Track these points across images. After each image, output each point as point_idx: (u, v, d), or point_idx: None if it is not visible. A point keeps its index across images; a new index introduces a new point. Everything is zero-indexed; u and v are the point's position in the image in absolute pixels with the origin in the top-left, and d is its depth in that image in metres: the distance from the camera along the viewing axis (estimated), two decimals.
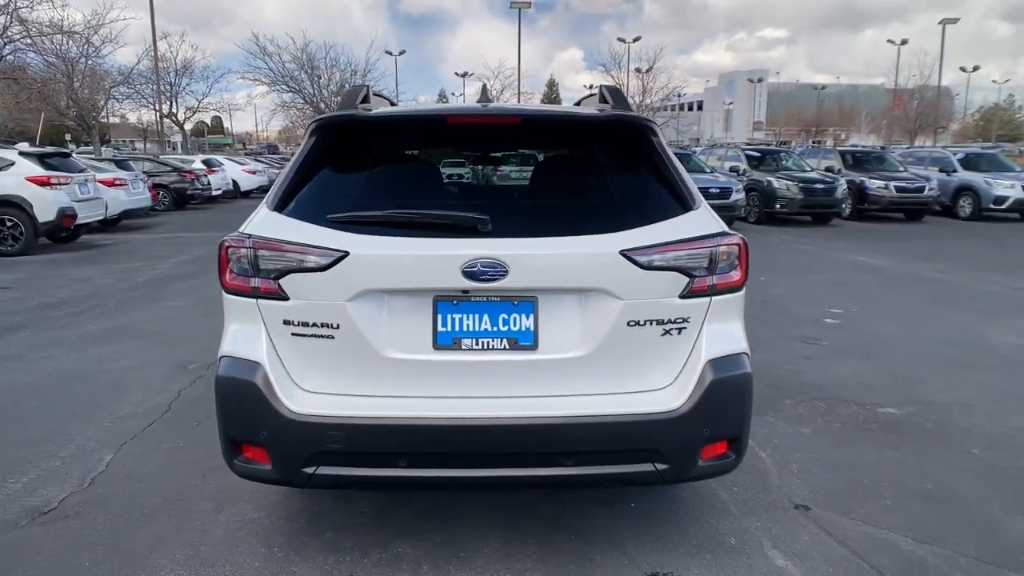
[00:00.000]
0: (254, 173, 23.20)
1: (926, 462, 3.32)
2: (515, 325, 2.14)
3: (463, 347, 2.14)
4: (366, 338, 2.13)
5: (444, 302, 2.14)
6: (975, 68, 60.05)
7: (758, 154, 16.67)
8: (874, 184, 15.55)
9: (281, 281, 2.13)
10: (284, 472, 2.16)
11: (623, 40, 48.98)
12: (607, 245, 2.12)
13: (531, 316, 2.14)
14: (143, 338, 5.49)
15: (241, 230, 2.23)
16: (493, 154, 2.51)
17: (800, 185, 14.30)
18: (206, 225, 14.35)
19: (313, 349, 2.15)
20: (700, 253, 2.16)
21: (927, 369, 4.76)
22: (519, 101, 40.02)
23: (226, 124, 79.87)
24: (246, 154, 32.34)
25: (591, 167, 2.39)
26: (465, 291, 2.12)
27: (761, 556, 2.53)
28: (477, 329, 2.13)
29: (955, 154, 17.63)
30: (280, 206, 2.24)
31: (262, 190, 24.28)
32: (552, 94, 52.32)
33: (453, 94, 52.85)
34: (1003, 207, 15.56)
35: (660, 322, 2.16)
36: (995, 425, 3.78)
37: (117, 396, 4.16)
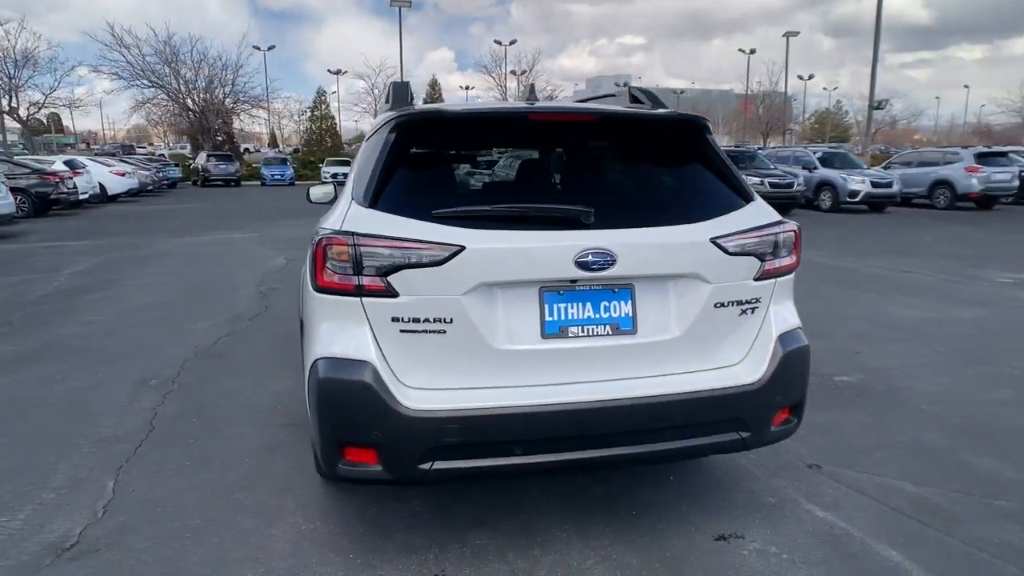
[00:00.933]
0: (123, 175, 21.26)
1: (891, 419, 3.81)
2: (615, 312, 2.26)
3: (570, 335, 2.23)
4: (479, 331, 2.16)
5: (550, 292, 2.21)
6: (810, 76, 67.09)
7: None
8: (751, 180, 16.98)
9: (390, 278, 2.11)
10: (398, 471, 2.14)
11: (499, 43, 49.94)
12: (698, 233, 2.30)
13: (629, 302, 2.27)
14: (78, 355, 4.99)
15: (332, 227, 2.18)
16: (568, 151, 2.60)
17: None
18: (83, 233, 13.03)
19: (422, 345, 2.15)
20: (769, 239, 2.39)
21: (857, 342, 5.38)
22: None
23: (66, 122, 72.26)
24: (99, 154, 29.51)
25: (660, 162, 2.55)
26: (573, 281, 2.21)
27: (802, 511, 2.82)
28: (582, 317, 2.23)
29: (815, 153, 19.67)
30: (372, 202, 2.21)
31: (132, 193, 22.35)
32: (435, 94, 52.14)
33: (333, 92, 51.08)
34: (856, 200, 17.57)
35: (739, 303, 2.37)
36: (930, 385, 4.38)
37: (83, 420, 3.79)
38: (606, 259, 2.17)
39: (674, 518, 2.76)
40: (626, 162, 2.50)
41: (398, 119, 2.32)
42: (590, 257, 2.16)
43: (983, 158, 18.30)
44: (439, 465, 2.13)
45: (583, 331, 2.23)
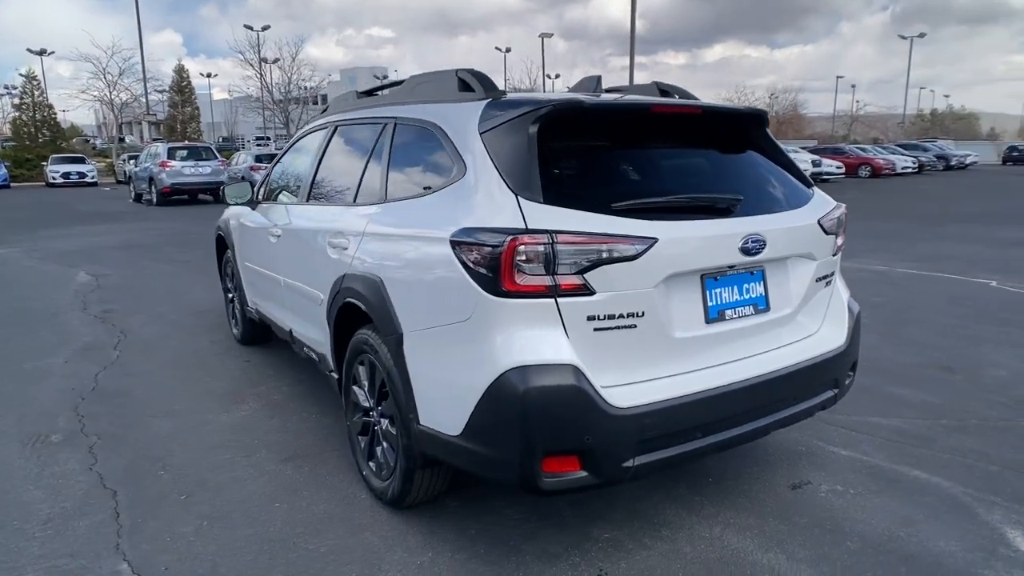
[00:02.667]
0: None
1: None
2: (754, 292, 2.42)
3: (726, 318, 2.34)
4: (663, 322, 2.17)
5: (710, 279, 2.29)
6: (557, 76, 73.19)
7: None
8: None
9: (587, 275, 2.02)
10: (605, 473, 2.06)
11: (250, 27, 46.18)
12: (809, 216, 2.56)
13: (761, 283, 2.44)
14: None
15: (506, 225, 2.01)
16: (682, 142, 2.66)
17: None
18: None
19: (613, 341, 2.09)
20: (841, 218, 2.74)
21: None
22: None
23: None
24: None
25: (751, 151, 2.73)
26: (731, 266, 2.31)
27: (831, 453, 3.26)
28: (733, 300, 2.35)
29: None
30: (541, 197, 2.08)
31: None
32: (182, 82, 46.34)
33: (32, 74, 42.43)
34: None
35: (826, 276, 2.69)
36: None
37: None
38: (760, 244, 2.33)
39: (751, 479, 3.02)
40: (725, 152, 2.65)
41: (547, 110, 2.20)
42: (750, 243, 2.30)
43: None
44: (640, 460, 2.10)
45: (735, 313, 2.36)
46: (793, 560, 2.42)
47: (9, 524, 2.70)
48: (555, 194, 2.11)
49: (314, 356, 3.48)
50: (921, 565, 2.38)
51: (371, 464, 2.88)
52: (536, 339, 2.02)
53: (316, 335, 3.36)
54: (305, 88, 44.26)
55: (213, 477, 3.10)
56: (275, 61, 44.11)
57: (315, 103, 45.72)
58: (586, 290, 2.03)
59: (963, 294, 6.76)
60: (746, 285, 2.40)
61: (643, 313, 2.12)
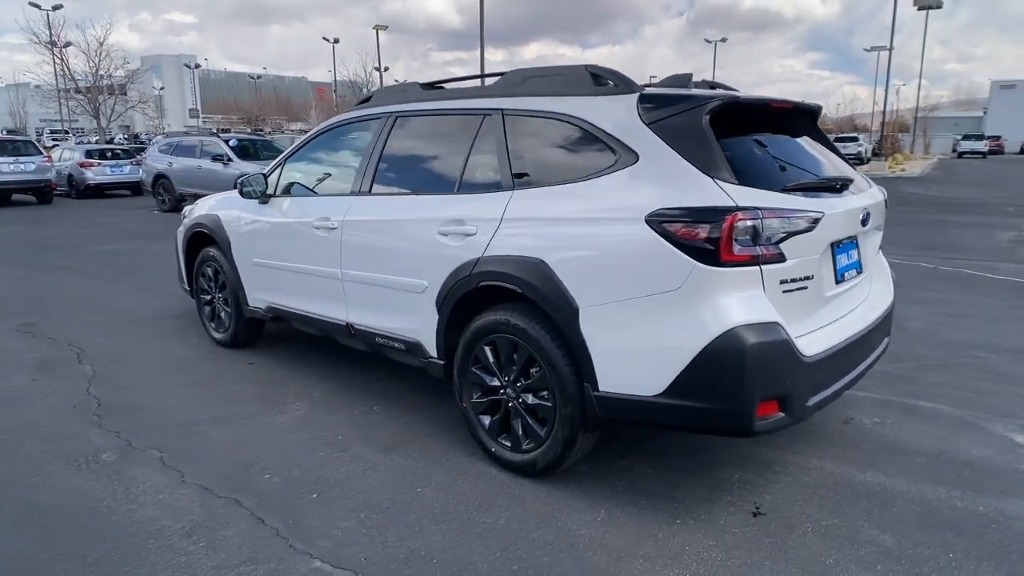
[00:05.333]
0: None
1: None
2: (854, 257, 2.93)
3: (845, 279, 2.82)
4: (821, 284, 2.60)
5: (836, 247, 2.75)
6: (386, 68, 72.21)
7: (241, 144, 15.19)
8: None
9: (782, 246, 2.37)
10: (796, 413, 2.43)
11: (37, 6, 40.37)
12: (881, 194, 3.13)
13: (856, 250, 2.96)
14: None
15: (714, 203, 2.32)
16: (786, 132, 3.07)
17: None
18: None
19: (794, 301, 2.48)
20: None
21: None
22: None
23: None
24: None
25: (819, 140, 3.20)
26: (851, 236, 2.80)
27: (860, 395, 3.91)
28: (846, 264, 2.84)
29: None
30: (735, 178, 2.40)
31: None
32: None
33: None
34: None
35: (880, 245, 3.29)
36: None
37: None
38: (868, 216, 2.84)
39: (809, 420, 3.56)
40: (808, 139, 3.12)
41: (717, 103, 2.52)
42: (865, 216, 2.81)
43: None
44: (813, 400, 2.51)
45: (848, 274, 2.85)
46: (888, 476, 2.97)
47: (147, 544, 2.49)
48: (738, 176, 2.44)
49: (396, 345, 3.47)
50: (978, 468, 3.05)
51: (503, 440, 3.00)
52: (748, 302, 2.35)
53: (405, 324, 3.37)
54: (111, 77, 39.48)
55: (327, 473, 3.03)
56: (67, 45, 38.81)
57: (123, 93, 41.13)
58: (781, 258, 2.40)
59: None
60: (851, 252, 2.91)
61: (812, 276, 2.54)
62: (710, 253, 2.32)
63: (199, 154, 14.67)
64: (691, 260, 2.34)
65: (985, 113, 79.59)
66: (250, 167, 12.43)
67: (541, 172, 2.90)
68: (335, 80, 60.05)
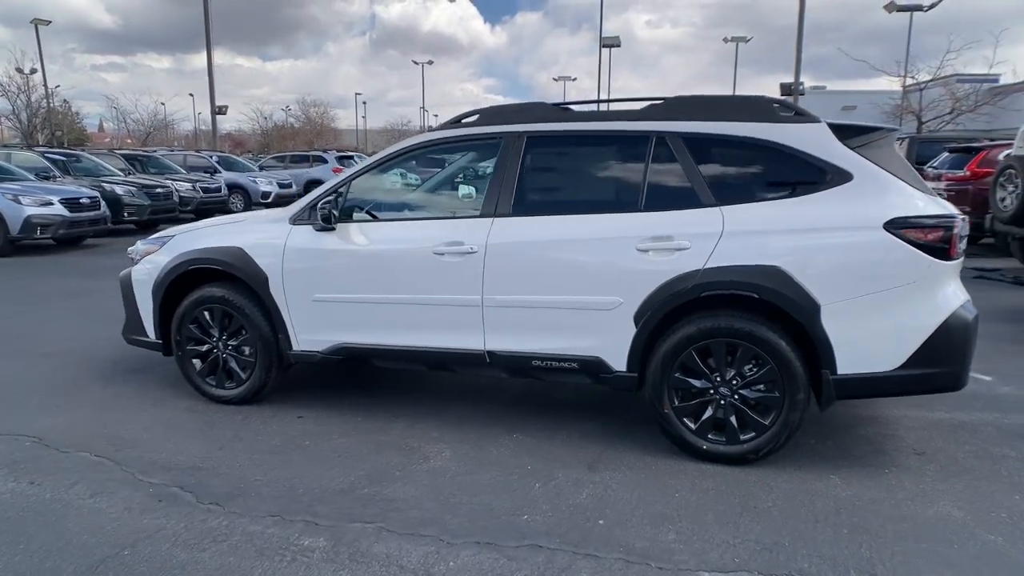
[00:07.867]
0: None
1: None
2: None
3: None
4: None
5: None
6: (32, 71, 59.71)
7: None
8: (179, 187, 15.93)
9: (959, 245, 3.09)
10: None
11: None
12: None
13: None
14: None
15: (940, 212, 2.99)
16: None
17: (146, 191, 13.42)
18: None
19: None
20: None
21: None
22: None
23: None
24: None
25: None
26: None
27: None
28: None
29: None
30: (928, 192, 3.10)
31: None
32: None
33: None
34: (268, 200, 18.81)
35: None
36: None
37: None
38: None
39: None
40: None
41: (890, 129, 3.21)
42: None
43: (343, 160, 22.49)
44: None
45: None
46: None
47: None
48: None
49: (565, 366, 3.44)
50: None
51: (712, 436, 3.28)
52: (959, 287, 3.11)
53: (581, 342, 3.37)
54: None
55: (572, 501, 2.96)
56: None
57: None
58: (959, 255, 3.13)
59: None
60: None
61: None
62: (943, 251, 2.97)
63: None
64: (928, 257, 2.97)
65: None
66: None
67: (743, 188, 3.25)
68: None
